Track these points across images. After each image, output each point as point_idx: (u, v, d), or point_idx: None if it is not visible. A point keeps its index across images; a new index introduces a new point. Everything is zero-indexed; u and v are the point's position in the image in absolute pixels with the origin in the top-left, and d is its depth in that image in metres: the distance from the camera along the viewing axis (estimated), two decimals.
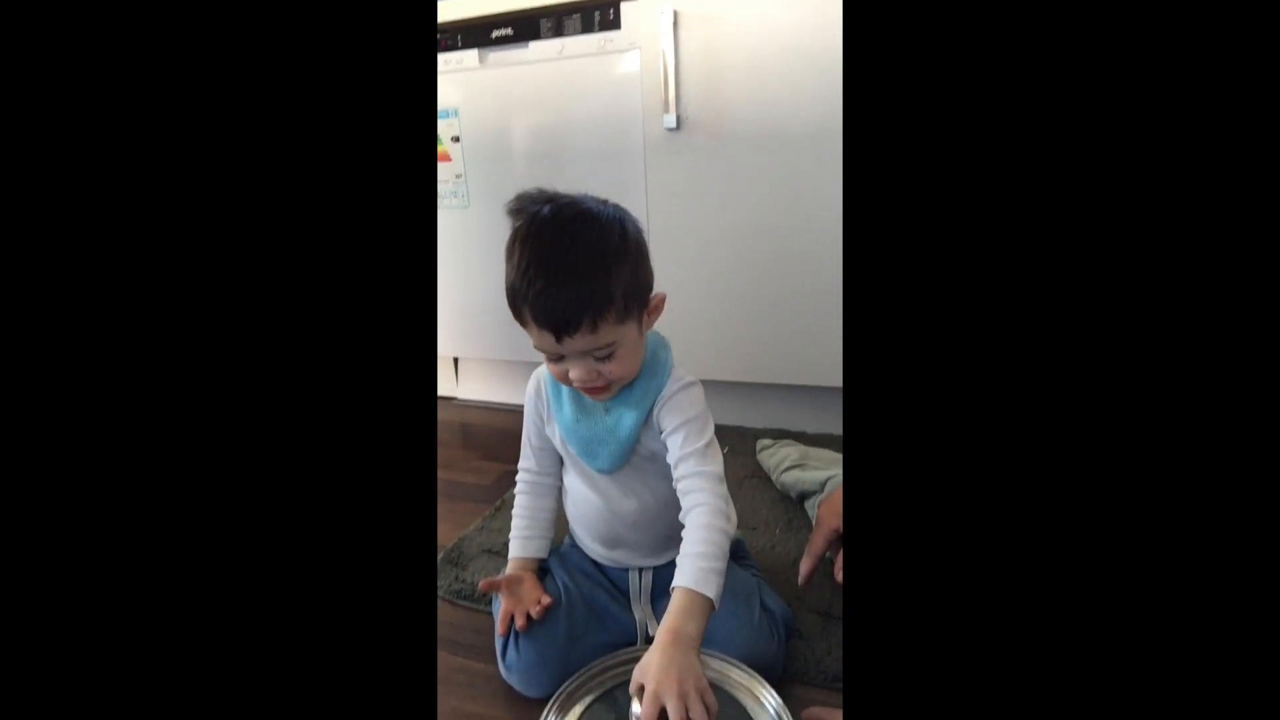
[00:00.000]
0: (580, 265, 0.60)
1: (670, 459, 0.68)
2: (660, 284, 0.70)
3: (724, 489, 0.67)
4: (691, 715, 0.52)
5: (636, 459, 0.71)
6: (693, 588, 0.60)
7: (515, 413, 0.82)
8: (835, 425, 1.25)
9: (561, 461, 0.79)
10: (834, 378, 1.20)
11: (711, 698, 0.54)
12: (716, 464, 0.68)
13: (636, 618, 0.75)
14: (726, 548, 0.64)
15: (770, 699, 0.59)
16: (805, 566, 0.70)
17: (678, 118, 1.14)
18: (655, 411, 0.70)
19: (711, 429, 0.70)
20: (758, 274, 1.20)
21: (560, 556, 0.80)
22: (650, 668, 0.54)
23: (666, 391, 0.69)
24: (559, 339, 0.62)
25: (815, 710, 0.60)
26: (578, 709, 0.61)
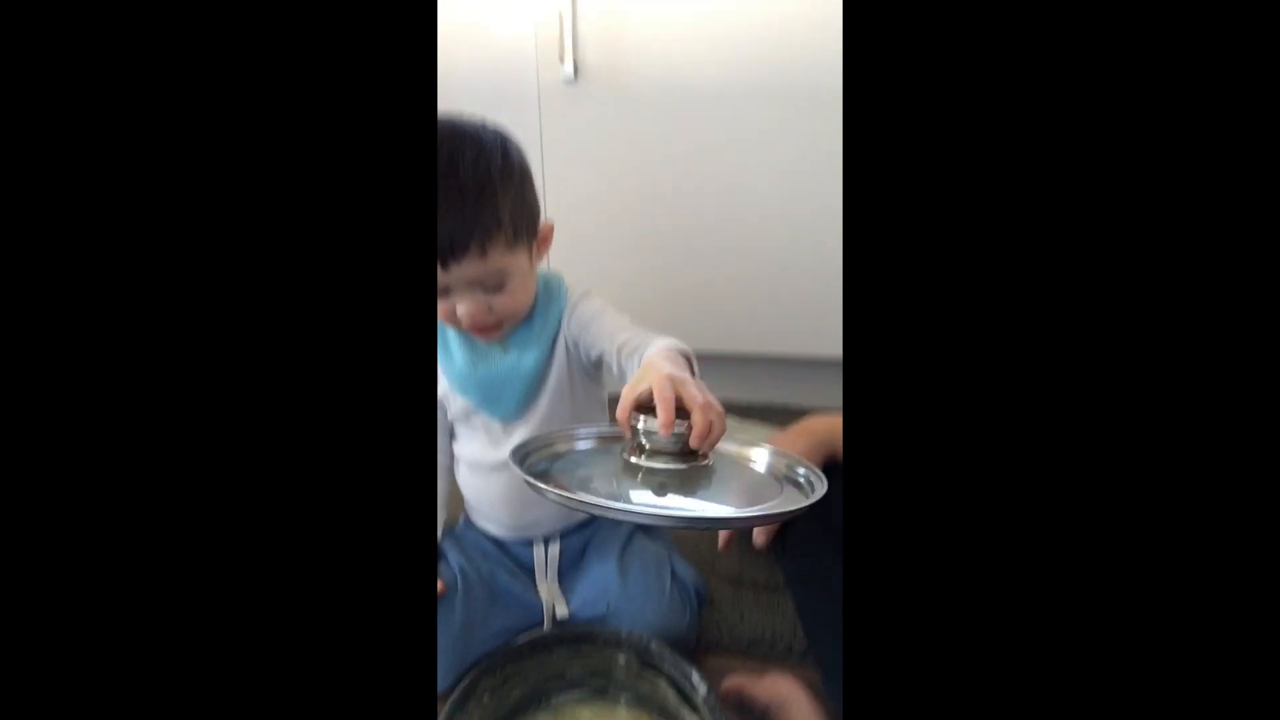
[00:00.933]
0: (463, 185, 0.55)
1: (603, 349, 0.62)
2: (560, 250, 0.65)
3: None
4: (714, 413, 0.45)
5: (542, 400, 0.66)
6: (667, 347, 0.54)
7: None
8: (746, 394, 1.24)
9: (451, 435, 0.72)
10: (744, 344, 1.19)
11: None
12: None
13: (542, 597, 0.70)
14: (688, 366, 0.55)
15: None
16: (724, 534, 0.67)
17: (575, 66, 1.07)
18: (563, 333, 0.65)
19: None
20: (666, 240, 1.16)
21: (455, 538, 0.74)
22: (652, 368, 0.47)
23: (567, 311, 0.65)
24: (444, 265, 0.56)
25: (737, 679, 0.58)
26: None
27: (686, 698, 0.55)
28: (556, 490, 0.42)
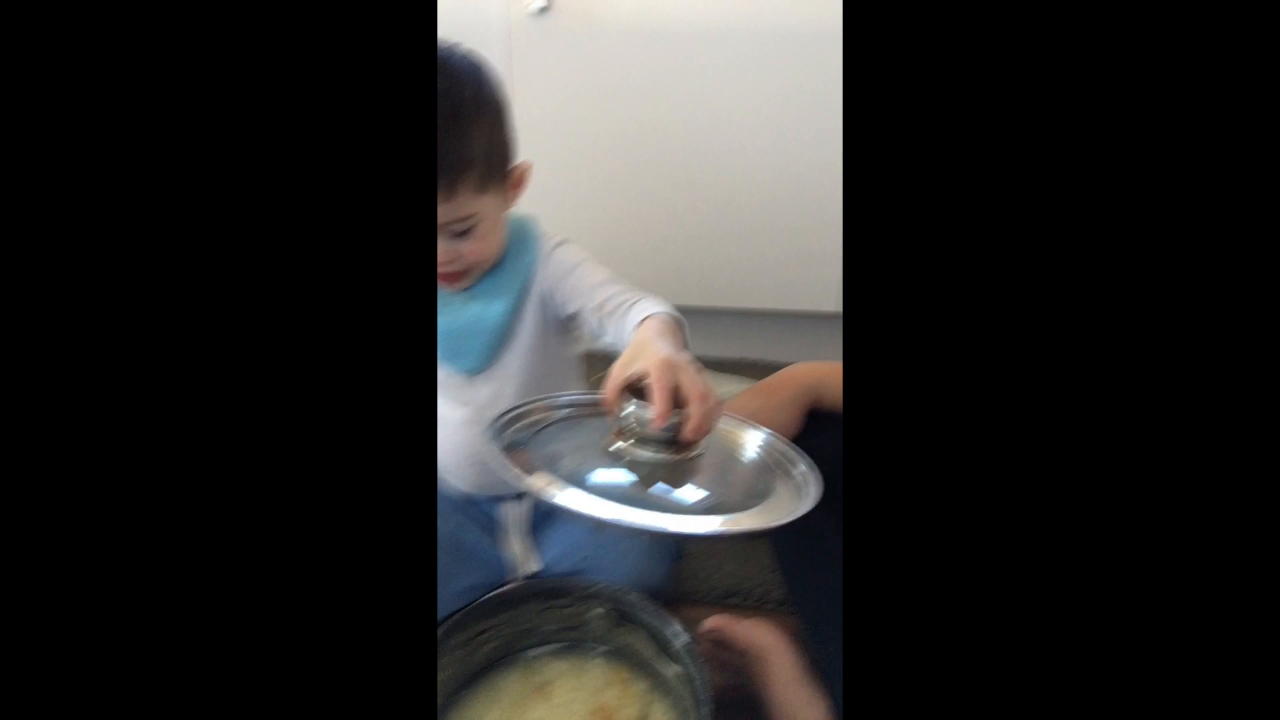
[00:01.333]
0: None
1: (580, 304, 0.58)
2: (527, 192, 0.61)
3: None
4: (712, 402, 0.42)
5: (510, 354, 0.63)
6: (657, 316, 0.50)
7: None
8: (724, 349, 1.22)
9: None
10: (724, 297, 1.16)
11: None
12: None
13: (513, 553, 0.68)
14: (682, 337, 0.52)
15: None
16: None
17: None
18: (535, 283, 0.61)
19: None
20: (641, 184, 1.11)
21: None
22: (648, 348, 0.44)
23: (540, 260, 0.61)
24: None
25: (718, 619, 0.58)
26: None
27: (664, 647, 0.54)
28: (544, 491, 0.40)
